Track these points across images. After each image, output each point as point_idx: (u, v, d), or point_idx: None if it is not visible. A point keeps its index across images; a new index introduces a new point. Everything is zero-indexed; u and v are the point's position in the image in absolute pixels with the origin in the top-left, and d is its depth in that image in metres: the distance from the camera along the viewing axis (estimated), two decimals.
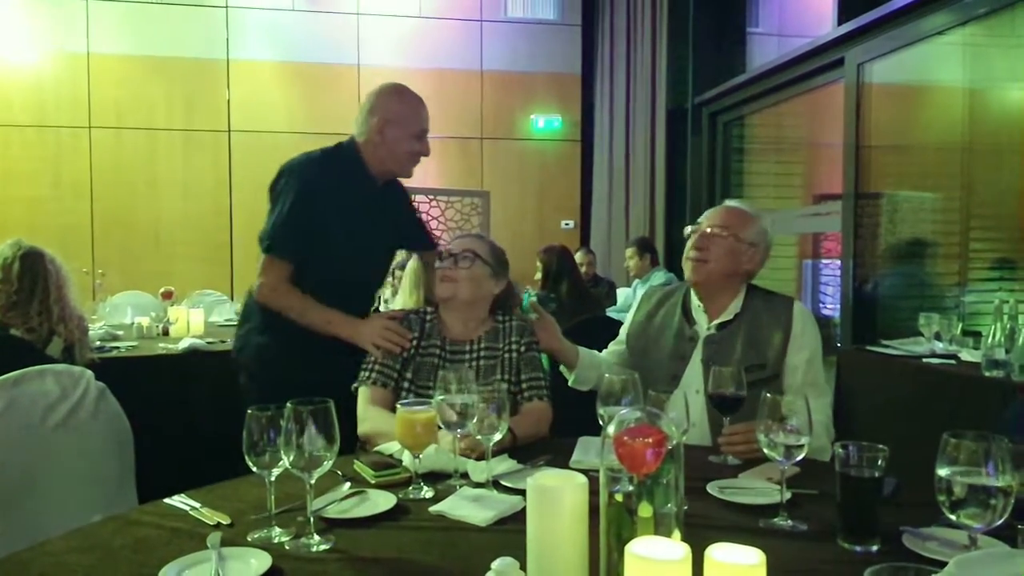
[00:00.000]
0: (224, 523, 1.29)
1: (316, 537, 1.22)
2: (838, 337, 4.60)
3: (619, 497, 0.95)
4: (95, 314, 4.23)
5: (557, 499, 1.00)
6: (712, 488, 1.45)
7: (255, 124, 6.99)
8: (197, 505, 1.36)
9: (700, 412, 1.92)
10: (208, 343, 3.61)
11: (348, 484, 1.47)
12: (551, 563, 1.01)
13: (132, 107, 6.77)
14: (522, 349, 2.02)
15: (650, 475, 0.93)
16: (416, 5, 7.29)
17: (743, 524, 1.31)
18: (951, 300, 4.14)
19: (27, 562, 1.14)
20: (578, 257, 5.44)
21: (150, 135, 6.81)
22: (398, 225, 2.45)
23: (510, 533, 1.25)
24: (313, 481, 1.24)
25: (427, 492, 1.45)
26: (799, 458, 1.32)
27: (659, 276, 5.35)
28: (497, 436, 1.50)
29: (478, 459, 1.58)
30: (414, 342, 2.01)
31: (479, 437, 1.50)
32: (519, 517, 1.26)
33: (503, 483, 1.49)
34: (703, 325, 2.08)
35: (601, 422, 1.54)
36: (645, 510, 0.93)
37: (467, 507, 1.36)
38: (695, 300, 2.12)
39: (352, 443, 1.91)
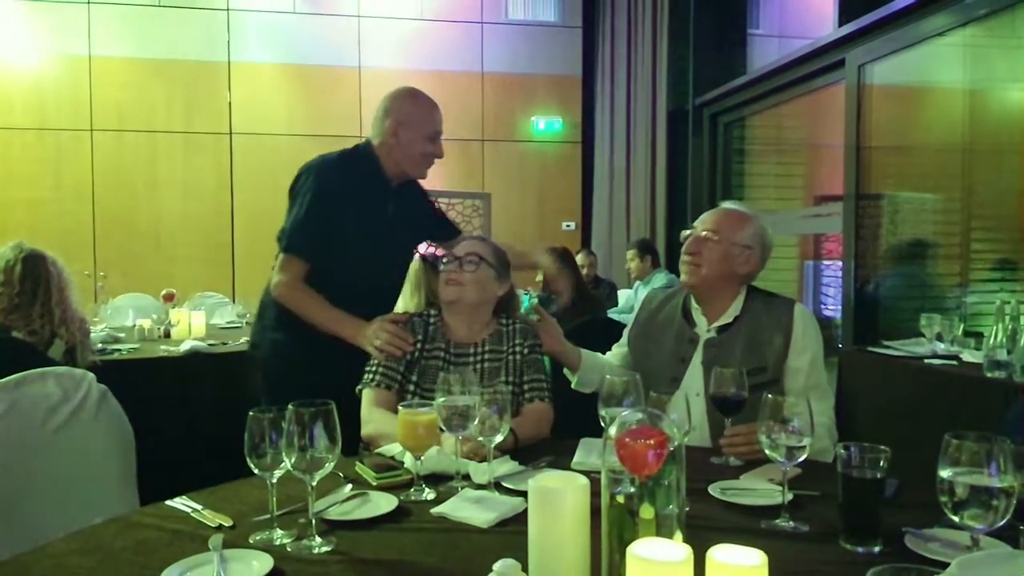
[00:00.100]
0: (226, 525, 1.29)
1: (318, 539, 1.22)
2: (839, 338, 4.60)
3: (621, 498, 0.95)
4: (97, 316, 4.24)
5: (559, 501, 1.00)
6: (714, 489, 1.45)
7: (256, 126, 7.00)
8: (199, 507, 1.36)
9: (700, 415, 1.92)
10: (209, 345, 3.61)
11: (350, 486, 1.47)
12: (553, 564, 1.01)
13: (133, 109, 6.77)
14: (525, 351, 2.02)
15: (652, 476, 0.93)
16: (417, 7, 7.30)
17: (745, 525, 1.31)
18: (952, 301, 4.14)
19: (29, 564, 1.15)
20: (579, 259, 5.43)
21: (151, 137, 6.81)
22: (419, 223, 2.48)
23: (512, 535, 1.25)
24: (315, 483, 1.24)
25: (429, 494, 1.45)
26: (801, 459, 1.32)
27: (660, 278, 5.35)
28: (498, 437, 1.50)
29: (480, 461, 1.58)
30: (418, 345, 2.01)
31: (480, 438, 1.50)
32: (521, 519, 1.26)
33: (505, 485, 1.49)
34: (703, 327, 2.08)
35: (603, 423, 1.54)
36: (647, 511, 0.93)
37: (469, 509, 1.36)
38: (694, 302, 2.12)
39: (355, 445, 1.91)
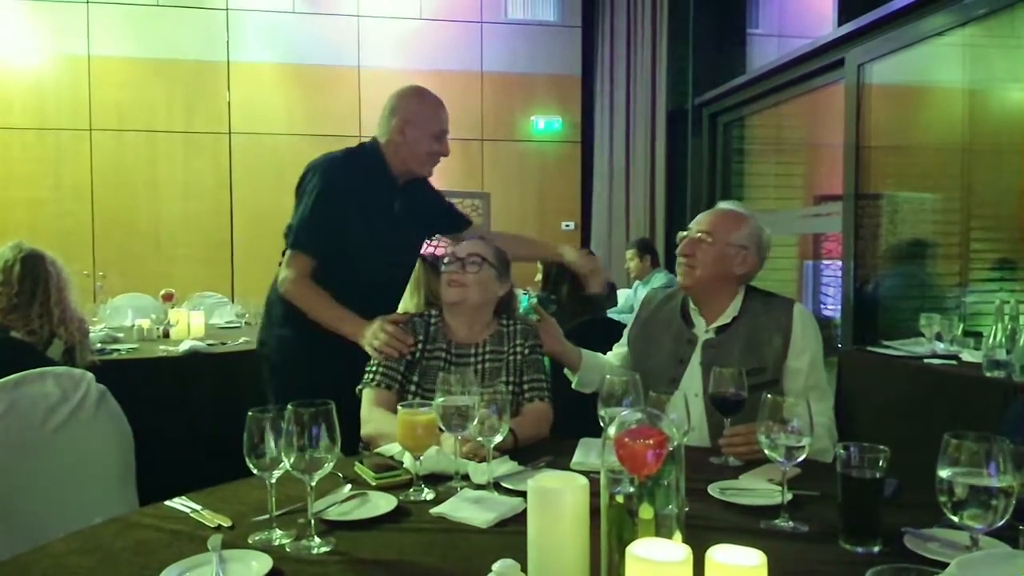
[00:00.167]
0: (225, 525, 1.29)
1: (317, 539, 1.22)
2: (839, 338, 4.60)
3: (620, 499, 0.95)
4: (96, 316, 4.23)
5: (558, 501, 1.00)
6: (713, 489, 1.45)
7: (255, 126, 7.00)
8: (198, 507, 1.36)
9: (699, 415, 1.92)
10: (208, 345, 3.61)
11: (349, 486, 1.46)
12: (552, 565, 1.01)
13: (133, 109, 6.77)
14: (526, 352, 2.02)
15: (651, 476, 0.93)
16: (416, 7, 7.30)
17: (744, 525, 1.31)
18: (952, 301, 4.14)
19: (28, 564, 1.15)
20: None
21: (151, 137, 6.81)
22: (426, 220, 2.49)
23: (511, 535, 1.25)
24: (314, 483, 1.24)
25: (428, 494, 1.45)
26: (800, 459, 1.32)
27: (659, 277, 5.34)
28: (498, 438, 1.50)
29: (479, 461, 1.58)
30: (419, 345, 2.00)
31: (480, 438, 1.50)
32: (520, 519, 1.26)
33: (504, 485, 1.49)
34: (701, 328, 2.07)
35: (602, 423, 1.54)
36: (646, 512, 0.93)
37: (468, 509, 1.36)
38: (692, 303, 2.12)
39: (355, 445, 1.92)
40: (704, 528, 1.24)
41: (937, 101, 4.62)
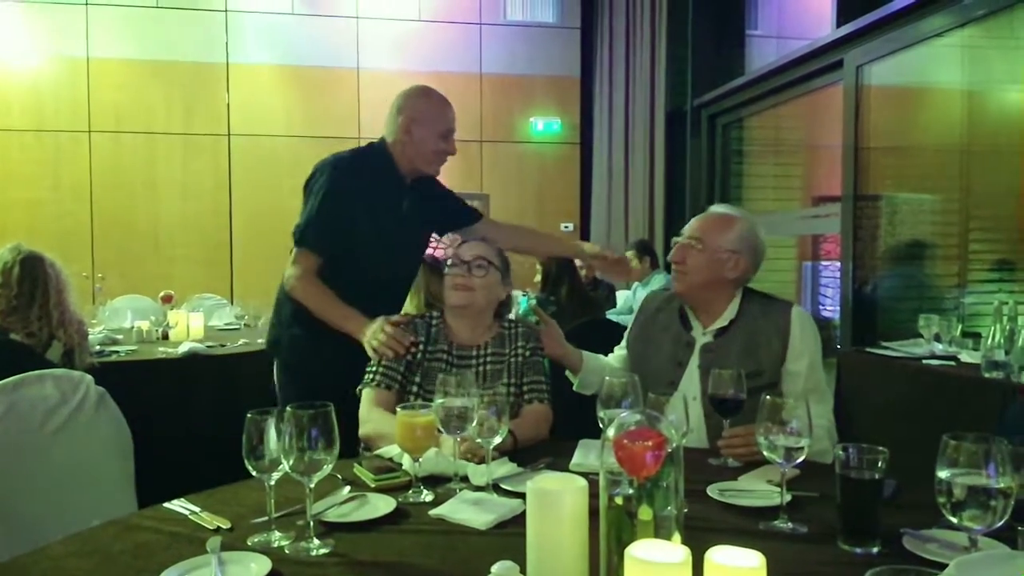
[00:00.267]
0: (224, 527, 1.29)
1: (316, 541, 1.22)
2: (838, 339, 4.60)
3: (619, 500, 0.95)
4: (95, 318, 4.23)
5: (557, 502, 1.00)
6: (712, 491, 1.45)
7: (254, 128, 7.00)
8: (197, 509, 1.36)
9: (697, 418, 1.92)
10: (208, 347, 3.61)
11: (348, 488, 1.46)
12: (551, 566, 1.01)
13: (131, 111, 6.77)
14: (527, 354, 2.03)
15: (650, 478, 0.93)
16: (415, 8, 7.30)
17: (743, 527, 1.31)
18: (951, 301, 4.14)
19: (27, 567, 1.14)
20: (576, 260, 5.43)
21: (149, 139, 6.81)
22: (434, 218, 2.49)
23: (510, 536, 1.24)
24: (313, 485, 1.24)
25: (427, 496, 1.45)
26: (799, 460, 1.32)
27: (659, 279, 5.34)
28: (497, 439, 1.50)
29: (478, 461, 1.58)
30: (420, 346, 2.00)
31: (479, 440, 1.50)
32: (519, 520, 1.26)
33: (503, 486, 1.49)
34: (699, 331, 2.07)
35: (601, 425, 1.54)
36: (645, 513, 0.93)
37: (467, 510, 1.36)
38: (689, 307, 2.12)
39: (355, 446, 1.91)
40: (703, 529, 1.24)
41: (936, 102, 4.62)
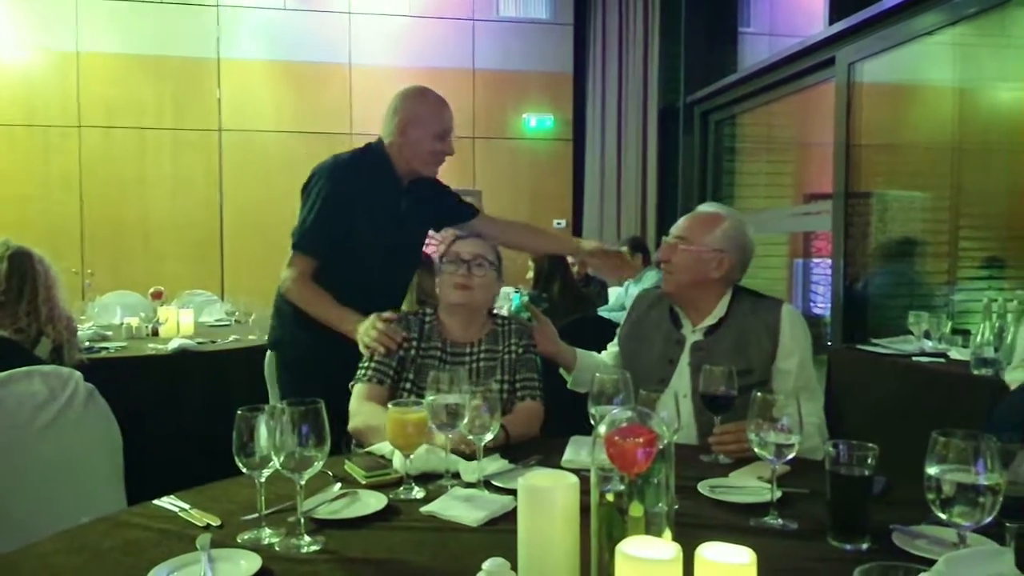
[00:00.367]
0: (214, 524, 1.28)
1: (306, 538, 1.21)
2: (829, 336, 4.62)
3: (610, 497, 0.95)
4: (84, 314, 4.21)
5: (548, 499, 1.00)
6: (703, 487, 1.45)
7: (246, 123, 6.96)
8: (186, 506, 1.36)
9: (688, 416, 1.92)
10: (198, 343, 3.59)
11: (339, 485, 1.46)
12: (542, 563, 1.01)
13: (122, 106, 6.72)
14: (520, 351, 2.02)
15: (641, 474, 0.93)
16: (407, 4, 7.27)
17: (734, 523, 1.31)
18: (941, 299, 4.16)
19: (15, 564, 1.14)
20: (570, 256, 5.43)
21: (140, 134, 6.77)
22: (434, 215, 2.50)
23: (501, 533, 1.24)
24: (303, 482, 1.23)
25: (418, 492, 1.45)
26: (789, 457, 1.33)
27: (651, 276, 5.34)
28: (488, 436, 1.50)
29: (469, 454, 1.58)
30: (414, 343, 2.00)
31: (470, 437, 1.50)
32: (510, 517, 1.26)
33: (494, 483, 1.48)
34: (689, 329, 2.07)
35: (592, 421, 1.54)
36: (636, 509, 0.93)
37: (458, 507, 1.36)
38: (678, 305, 2.12)
39: (347, 444, 1.91)
40: (694, 526, 1.25)
41: (927, 100, 4.64)
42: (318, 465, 1.24)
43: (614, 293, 5.77)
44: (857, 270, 4.47)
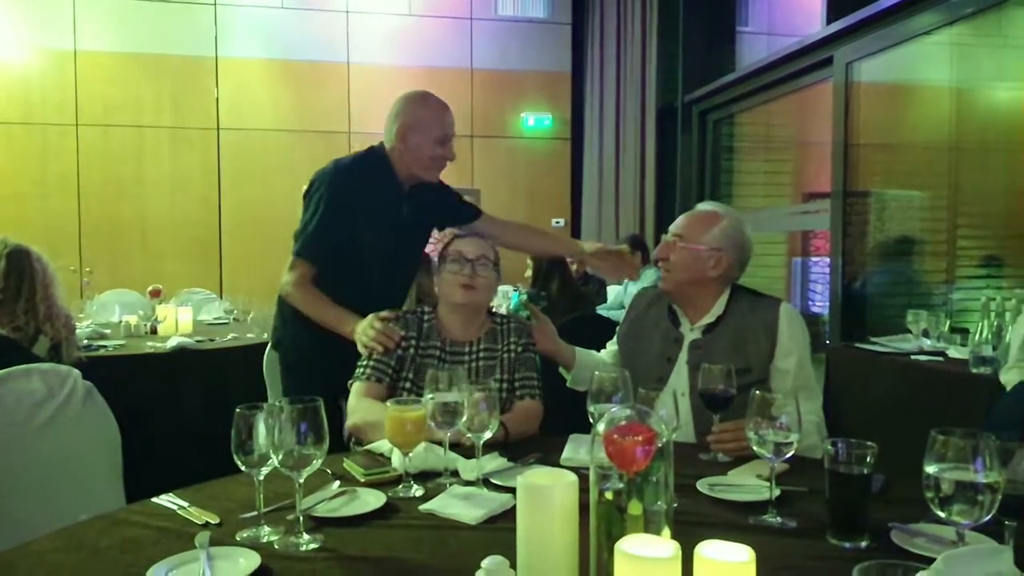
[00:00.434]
0: (212, 522, 1.28)
1: (305, 536, 1.21)
2: (827, 334, 4.63)
3: (609, 495, 0.95)
4: (82, 312, 4.20)
5: (547, 497, 1.00)
6: (702, 485, 1.45)
7: (244, 122, 6.96)
8: (185, 504, 1.35)
9: (686, 415, 1.92)
10: (197, 342, 3.59)
11: (337, 483, 1.46)
12: (541, 561, 1.01)
13: (120, 104, 6.72)
14: (519, 350, 2.02)
15: (640, 473, 0.93)
16: (406, 3, 7.27)
17: (733, 521, 1.31)
18: (939, 297, 4.16)
19: (13, 562, 1.14)
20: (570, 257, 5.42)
21: (138, 132, 6.76)
22: (436, 219, 2.50)
23: (500, 531, 1.24)
24: (302, 480, 1.23)
25: (417, 490, 1.45)
26: (788, 455, 1.33)
27: (650, 275, 5.33)
28: (487, 434, 1.50)
29: (468, 456, 1.58)
30: (412, 342, 2.00)
31: (469, 435, 1.50)
32: (509, 515, 1.26)
33: (493, 481, 1.49)
34: (687, 327, 2.08)
35: (591, 420, 1.54)
36: (635, 508, 0.93)
37: (457, 505, 1.35)
38: (676, 303, 2.12)
39: (345, 443, 1.91)
40: (693, 524, 1.25)
41: (925, 99, 4.65)
42: (317, 463, 1.24)
43: (613, 291, 5.78)
44: (855, 269, 4.48)
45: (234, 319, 4.69)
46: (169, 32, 6.78)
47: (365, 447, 1.75)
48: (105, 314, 4.46)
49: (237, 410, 1.24)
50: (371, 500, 1.38)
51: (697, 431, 1.90)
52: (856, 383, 3.30)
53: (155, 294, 4.43)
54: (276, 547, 1.19)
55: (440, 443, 1.55)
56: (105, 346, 3.51)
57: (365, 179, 2.31)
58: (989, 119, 4.17)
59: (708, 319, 2.05)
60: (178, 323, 4.01)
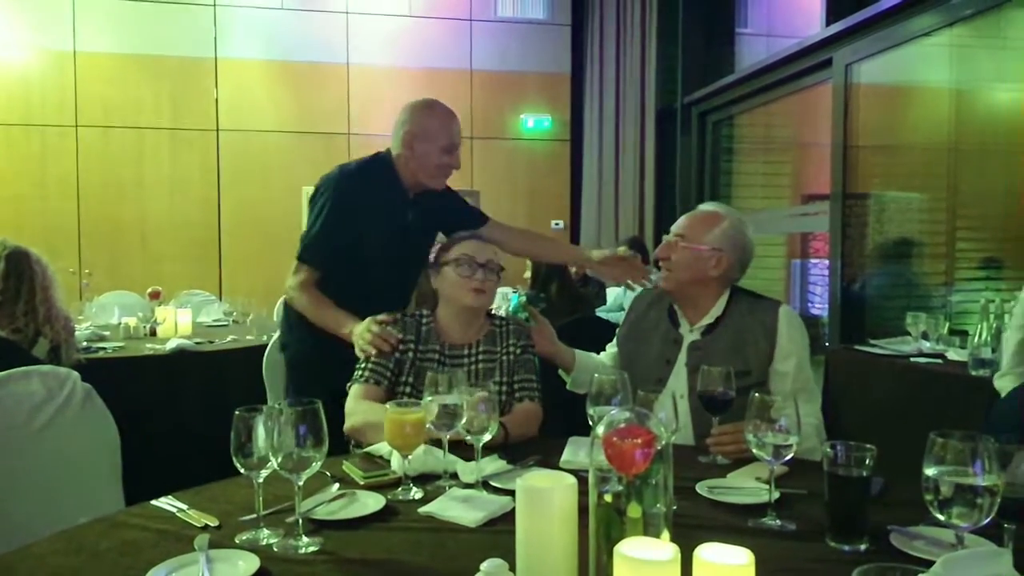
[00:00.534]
0: (212, 525, 1.28)
1: (304, 539, 1.21)
2: (826, 336, 4.63)
3: (608, 497, 0.95)
4: (82, 314, 4.20)
5: (546, 500, 1.00)
6: (701, 488, 1.45)
7: (243, 123, 6.96)
8: (184, 507, 1.35)
9: (685, 417, 1.92)
10: (196, 343, 3.59)
11: (337, 485, 1.46)
12: (541, 564, 1.01)
13: (119, 106, 6.72)
14: (518, 352, 2.02)
15: (639, 475, 0.93)
16: (405, 4, 7.27)
17: (732, 524, 1.31)
18: (938, 299, 4.17)
19: (12, 565, 1.13)
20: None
21: (137, 134, 6.76)
22: (441, 225, 2.49)
23: (500, 534, 1.24)
24: (302, 482, 1.23)
25: (416, 493, 1.45)
26: (787, 458, 1.33)
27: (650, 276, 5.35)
28: (486, 436, 1.50)
29: (468, 459, 1.58)
30: (412, 346, 1.99)
31: (468, 437, 1.50)
32: (509, 518, 1.26)
33: (493, 484, 1.48)
34: (686, 328, 2.08)
35: (591, 422, 1.54)
36: (634, 510, 0.93)
37: (457, 508, 1.35)
38: (676, 304, 2.12)
39: (345, 445, 1.91)
40: (692, 527, 1.25)
41: (924, 101, 4.65)
42: (316, 466, 1.24)
43: (612, 294, 5.77)
44: (855, 271, 4.48)
45: (233, 321, 4.68)
46: (169, 33, 6.78)
47: (364, 449, 1.74)
48: (104, 316, 4.45)
49: (236, 412, 1.24)
50: (370, 503, 1.37)
51: (696, 433, 1.90)
52: (855, 385, 3.30)
53: (154, 296, 4.42)
54: (275, 550, 1.19)
55: (440, 445, 1.55)
56: (104, 348, 3.51)
57: (370, 185, 2.32)
58: (988, 121, 4.18)
59: (707, 320, 2.05)
60: (177, 325, 4.00)
